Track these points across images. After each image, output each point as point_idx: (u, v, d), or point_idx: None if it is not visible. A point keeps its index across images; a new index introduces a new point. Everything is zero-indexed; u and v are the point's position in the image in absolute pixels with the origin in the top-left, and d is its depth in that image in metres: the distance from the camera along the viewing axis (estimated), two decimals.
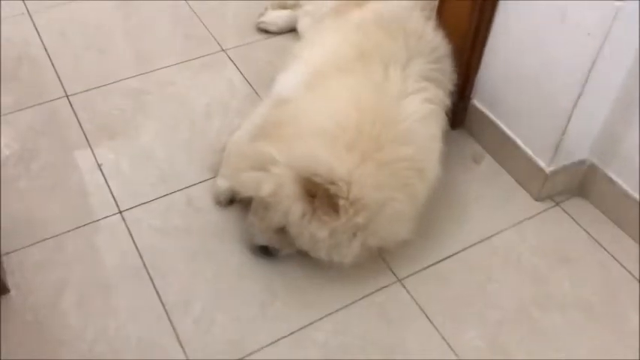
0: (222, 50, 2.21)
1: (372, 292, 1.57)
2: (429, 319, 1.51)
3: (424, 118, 1.58)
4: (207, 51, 2.20)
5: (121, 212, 1.70)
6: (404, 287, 1.58)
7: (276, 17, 2.25)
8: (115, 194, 1.74)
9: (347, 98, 1.55)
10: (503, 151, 1.84)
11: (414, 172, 1.53)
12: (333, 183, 1.43)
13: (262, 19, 2.27)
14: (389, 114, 1.53)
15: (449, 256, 1.65)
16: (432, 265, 1.63)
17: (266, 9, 2.28)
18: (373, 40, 1.68)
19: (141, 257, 1.60)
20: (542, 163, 1.74)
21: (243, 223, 1.65)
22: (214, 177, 1.77)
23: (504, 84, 1.77)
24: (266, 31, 2.27)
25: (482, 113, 1.87)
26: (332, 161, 1.44)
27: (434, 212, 1.68)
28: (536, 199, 1.79)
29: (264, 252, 1.60)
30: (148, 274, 1.57)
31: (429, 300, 1.55)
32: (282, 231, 1.53)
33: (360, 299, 1.55)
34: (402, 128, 1.53)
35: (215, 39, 2.24)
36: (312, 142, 1.48)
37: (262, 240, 1.58)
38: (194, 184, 1.78)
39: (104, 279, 1.56)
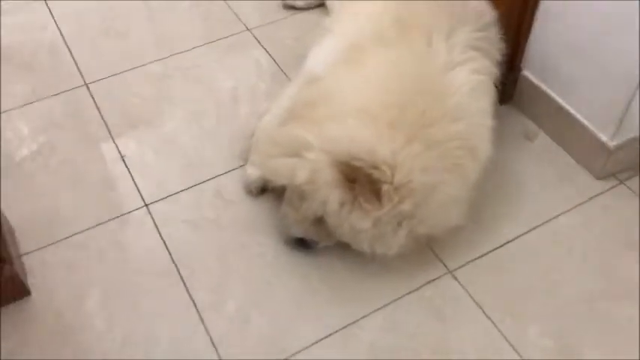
0: (247, 30, 2.07)
1: (421, 286, 1.43)
2: (486, 315, 1.37)
3: (473, 91, 1.42)
4: (231, 31, 2.06)
5: (147, 205, 1.59)
6: (456, 279, 1.43)
7: None
8: (139, 187, 1.63)
9: (387, 72, 1.40)
10: (560, 126, 1.67)
11: (465, 151, 1.38)
12: (375, 167, 1.28)
13: None
14: (435, 88, 1.38)
15: (505, 244, 1.49)
16: (486, 253, 1.48)
17: None
18: (413, 8, 1.52)
19: (169, 253, 1.49)
20: (604, 138, 1.57)
21: (276, 215, 1.52)
22: (244, 165, 1.65)
23: (559, 51, 1.59)
24: (293, 8, 2.12)
25: (534, 85, 1.69)
26: (373, 142, 1.30)
27: (486, 196, 1.53)
28: (598, 178, 1.62)
29: (301, 244, 1.47)
30: (178, 271, 1.46)
31: (484, 293, 1.40)
32: (319, 222, 1.40)
33: (407, 294, 1.41)
34: (450, 103, 1.37)
35: (239, 18, 2.11)
36: (350, 122, 1.34)
37: (298, 232, 1.45)
38: (223, 174, 1.66)
39: (130, 277, 1.46)
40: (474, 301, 1.39)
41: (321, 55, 1.60)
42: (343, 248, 1.45)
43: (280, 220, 1.49)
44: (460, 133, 1.37)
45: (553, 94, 1.65)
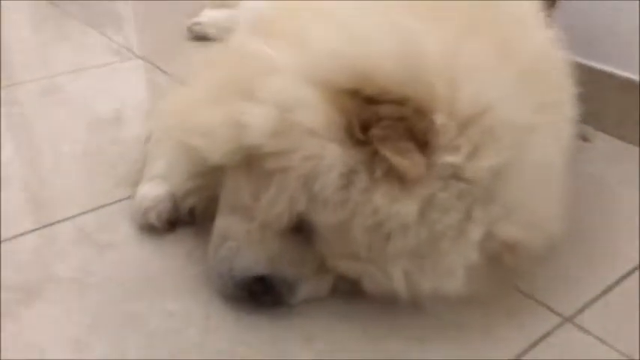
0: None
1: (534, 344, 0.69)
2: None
3: None
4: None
5: None
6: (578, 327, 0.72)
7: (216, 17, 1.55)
8: None
9: None
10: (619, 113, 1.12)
11: (555, 93, 0.76)
12: (415, 86, 0.63)
13: (197, 19, 1.55)
14: None
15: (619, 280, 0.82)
16: (605, 292, 0.79)
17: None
18: None
19: None
20: None
21: (207, 250, 0.75)
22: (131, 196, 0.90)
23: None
24: (203, 37, 1.54)
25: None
26: (408, 46, 0.65)
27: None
28: None
29: (261, 295, 0.70)
30: None
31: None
32: (297, 234, 0.68)
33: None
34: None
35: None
36: (353, 19, 0.69)
37: (254, 264, 0.69)
38: (90, 211, 0.90)
39: None
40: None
41: None
42: (346, 299, 0.71)
43: (214, 251, 0.73)
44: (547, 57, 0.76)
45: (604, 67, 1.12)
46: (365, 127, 0.64)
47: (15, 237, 0.84)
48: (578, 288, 0.79)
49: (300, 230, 0.68)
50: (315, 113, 0.64)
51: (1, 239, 0.83)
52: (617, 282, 0.81)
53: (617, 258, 0.85)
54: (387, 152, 0.62)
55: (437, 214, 0.64)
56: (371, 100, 0.64)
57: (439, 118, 0.63)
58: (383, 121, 0.63)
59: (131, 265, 0.80)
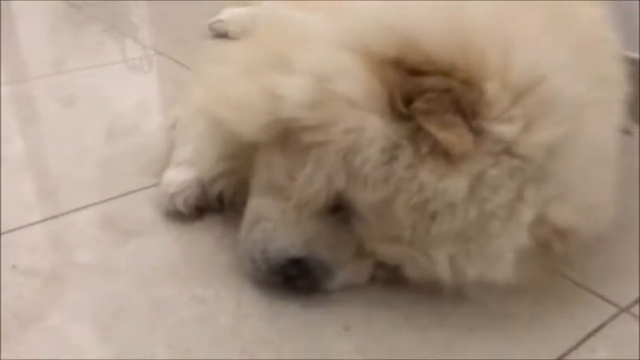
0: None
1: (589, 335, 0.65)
2: None
3: None
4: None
5: None
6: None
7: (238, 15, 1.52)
8: None
9: None
10: None
11: (608, 67, 0.72)
12: (464, 54, 0.59)
13: (219, 17, 1.53)
14: None
15: None
16: None
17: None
18: None
19: None
20: None
21: (237, 237, 0.71)
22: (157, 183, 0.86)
23: None
24: (224, 35, 1.52)
25: None
26: (457, 11, 0.61)
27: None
28: None
29: (294, 279, 0.66)
30: None
31: None
32: (336, 214, 0.64)
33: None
34: None
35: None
36: None
37: (290, 246, 0.65)
38: (116, 197, 0.87)
39: None
40: None
41: None
42: (386, 286, 0.67)
43: (247, 234, 0.69)
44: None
45: None
46: (408, 100, 0.60)
47: (34, 223, 0.81)
48: (632, 278, 0.74)
49: (339, 211, 0.64)
50: (356, 83, 0.61)
51: (22, 225, 0.80)
52: None
53: None
54: (430, 127, 0.58)
55: (487, 193, 0.60)
56: (415, 71, 0.60)
57: (491, 88, 0.59)
58: (427, 94, 0.59)
59: (156, 252, 0.76)
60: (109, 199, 0.86)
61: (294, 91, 0.62)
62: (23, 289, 0.70)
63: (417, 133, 0.60)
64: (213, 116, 0.74)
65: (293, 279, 0.66)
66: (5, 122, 1.07)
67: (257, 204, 0.69)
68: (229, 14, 1.54)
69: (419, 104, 0.60)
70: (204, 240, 0.78)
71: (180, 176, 0.81)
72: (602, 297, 0.70)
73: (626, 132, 1.09)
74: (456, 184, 0.59)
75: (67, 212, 0.83)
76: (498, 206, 0.61)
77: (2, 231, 0.78)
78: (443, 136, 0.58)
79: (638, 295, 0.70)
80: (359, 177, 0.61)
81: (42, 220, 0.81)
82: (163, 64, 1.38)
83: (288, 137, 0.64)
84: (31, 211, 0.83)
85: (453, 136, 0.58)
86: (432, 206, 0.60)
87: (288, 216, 0.65)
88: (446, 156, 0.59)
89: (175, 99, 1.04)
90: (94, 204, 0.85)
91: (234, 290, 0.69)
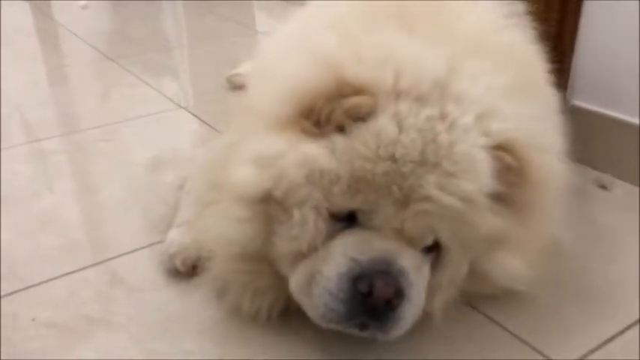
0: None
1: None
2: None
3: None
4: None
5: None
6: None
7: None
8: None
9: None
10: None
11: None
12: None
13: (236, 71, 1.66)
14: None
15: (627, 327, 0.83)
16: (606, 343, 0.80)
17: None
18: None
19: None
20: None
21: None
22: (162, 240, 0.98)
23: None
24: (241, 87, 1.64)
25: (590, 114, 1.18)
26: None
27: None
28: None
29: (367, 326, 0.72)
30: None
31: None
32: None
33: None
34: None
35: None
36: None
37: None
38: (125, 254, 0.99)
39: None
40: None
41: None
42: None
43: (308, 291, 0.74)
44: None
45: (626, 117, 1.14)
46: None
47: (55, 278, 0.93)
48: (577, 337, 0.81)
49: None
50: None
51: (44, 280, 0.93)
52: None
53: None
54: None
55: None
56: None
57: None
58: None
59: (154, 308, 0.87)
60: (121, 255, 0.98)
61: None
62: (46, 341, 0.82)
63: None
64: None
65: (366, 327, 0.71)
66: (35, 177, 1.23)
67: (301, 271, 0.75)
68: (247, 68, 1.66)
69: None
70: (195, 296, 0.88)
71: (180, 238, 0.93)
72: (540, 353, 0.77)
73: (603, 187, 1.16)
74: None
75: (83, 268, 0.96)
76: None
77: (26, 285, 0.92)
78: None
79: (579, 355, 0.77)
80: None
81: (60, 276, 0.94)
82: (184, 118, 1.51)
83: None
84: (51, 267, 0.96)
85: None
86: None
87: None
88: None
89: (187, 158, 1.18)
90: (107, 260, 0.97)
91: (218, 344, 0.80)
